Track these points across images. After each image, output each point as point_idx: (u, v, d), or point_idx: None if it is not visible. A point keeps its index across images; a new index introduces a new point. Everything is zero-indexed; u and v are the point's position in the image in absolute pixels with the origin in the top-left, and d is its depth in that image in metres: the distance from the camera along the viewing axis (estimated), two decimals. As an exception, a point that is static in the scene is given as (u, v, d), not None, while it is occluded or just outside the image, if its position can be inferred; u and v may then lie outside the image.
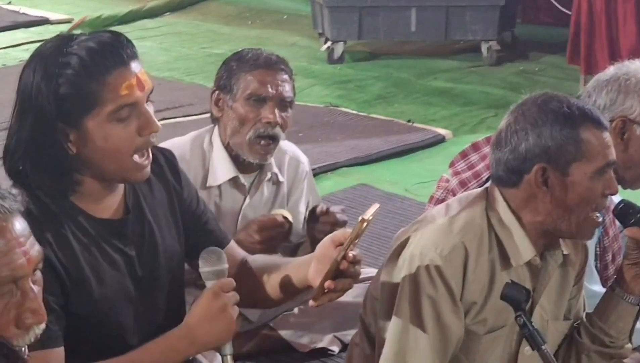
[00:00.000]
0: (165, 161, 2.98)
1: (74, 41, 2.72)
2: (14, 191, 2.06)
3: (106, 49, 2.70)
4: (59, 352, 2.65)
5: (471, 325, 2.95)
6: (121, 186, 2.85)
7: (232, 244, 3.07)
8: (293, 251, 4.16)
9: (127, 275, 2.80)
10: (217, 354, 3.75)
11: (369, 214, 2.70)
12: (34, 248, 2.05)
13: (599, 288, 3.50)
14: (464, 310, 2.93)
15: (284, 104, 4.01)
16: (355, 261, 2.76)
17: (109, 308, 2.77)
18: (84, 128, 2.70)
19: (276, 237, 3.99)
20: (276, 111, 3.97)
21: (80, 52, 2.69)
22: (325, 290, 2.78)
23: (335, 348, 4.20)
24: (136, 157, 2.74)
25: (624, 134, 3.53)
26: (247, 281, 2.96)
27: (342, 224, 4.03)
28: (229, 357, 2.76)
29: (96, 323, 2.74)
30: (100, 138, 2.70)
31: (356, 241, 2.75)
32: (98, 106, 2.68)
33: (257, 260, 3.04)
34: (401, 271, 2.93)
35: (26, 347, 2.07)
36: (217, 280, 2.77)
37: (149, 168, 2.78)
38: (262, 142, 3.97)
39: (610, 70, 3.61)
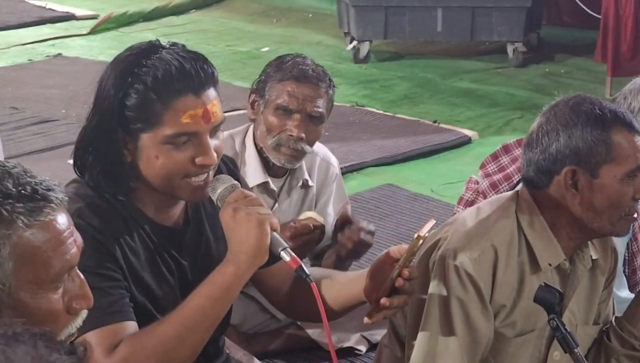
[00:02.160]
0: (227, 171, 2.95)
1: (156, 55, 2.68)
2: (57, 182, 2.09)
3: (182, 73, 2.66)
4: (134, 324, 2.68)
5: (500, 327, 2.96)
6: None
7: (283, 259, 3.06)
8: (318, 257, 4.18)
9: (177, 283, 2.82)
10: (254, 358, 3.81)
11: (424, 231, 2.65)
12: (79, 237, 2.08)
13: (626, 294, 3.50)
14: (493, 312, 2.93)
15: (311, 119, 3.99)
16: (410, 278, 2.70)
17: (159, 311, 2.78)
18: (140, 142, 2.70)
19: (309, 242, 3.98)
20: (302, 125, 3.95)
21: (155, 70, 2.66)
22: (380, 307, 2.73)
23: (363, 348, 4.22)
24: (190, 179, 2.72)
25: None
26: (302, 295, 2.90)
27: (367, 245, 4.05)
28: (283, 253, 2.63)
29: (145, 324, 2.74)
30: (152, 156, 2.70)
31: (412, 258, 2.72)
32: (157, 126, 2.67)
33: (313, 273, 2.94)
34: (431, 273, 2.94)
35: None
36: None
37: (204, 191, 2.74)
38: (283, 149, 3.97)
39: None
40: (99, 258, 2.66)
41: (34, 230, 1.99)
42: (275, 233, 2.64)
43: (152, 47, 2.72)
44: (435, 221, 2.73)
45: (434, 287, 2.92)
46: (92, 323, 2.56)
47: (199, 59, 2.71)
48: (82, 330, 2.54)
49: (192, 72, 2.67)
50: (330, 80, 4.06)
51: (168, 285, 2.82)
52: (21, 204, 1.98)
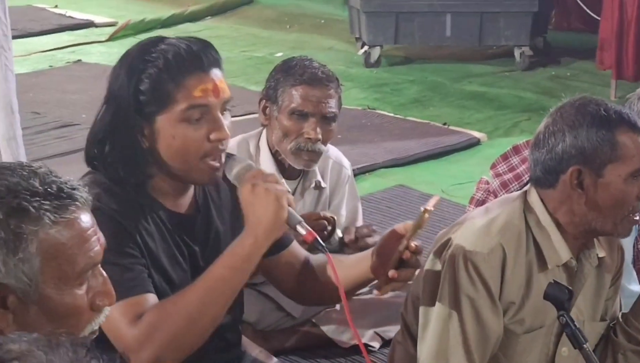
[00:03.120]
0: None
1: (163, 42, 2.79)
2: (81, 182, 2.10)
3: (190, 53, 2.75)
4: (154, 296, 2.72)
5: (509, 324, 2.96)
6: (192, 187, 2.91)
7: (295, 244, 3.08)
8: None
9: (189, 267, 2.85)
10: (270, 355, 3.81)
11: (430, 205, 2.72)
12: (102, 236, 2.10)
13: (638, 288, 3.50)
14: (502, 309, 2.94)
15: (326, 119, 4.00)
16: (417, 251, 2.77)
17: (171, 288, 2.82)
18: (157, 125, 2.76)
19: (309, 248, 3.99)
20: (318, 127, 3.96)
21: (166, 53, 2.75)
22: (389, 279, 2.78)
23: (376, 344, 4.21)
24: (206, 160, 2.77)
25: None
26: (310, 279, 2.98)
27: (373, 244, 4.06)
28: (299, 226, 2.68)
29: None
30: (169, 136, 2.75)
31: (418, 231, 2.76)
32: (171, 104, 2.73)
33: (319, 258, 3.04)
34: (442, 271, 2.94)
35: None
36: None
37: (218, 173, 2.80)
38: (303, 154, 3.98)
39: None
40: (118, 237, 2.69)
41: (60, 227, 2.01)
42: (290, 208, 2.69)
43: (159, 38, 2.83)
44: (440, 197, 2.82)
45: (445, 285, 2.92)
46: (117, 296, 2.61)
47: (205, 43, 2.82)
48: None
49: (200, 53, 2.76)
50: (337, 80, 4.08)
51: (181, 268, 2.85)
52: (47, 202, 2.00)
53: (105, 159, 2.80)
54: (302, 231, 2.68)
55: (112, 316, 2.59)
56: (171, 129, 2.75)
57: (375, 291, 2.83)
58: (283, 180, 4.02)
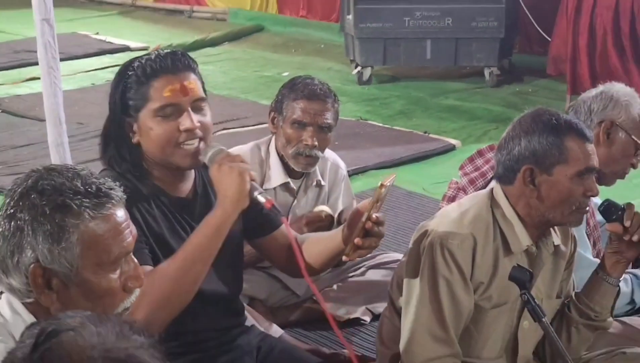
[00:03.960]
0: None
1: (144, 56, 2.88)
2: (117, 183, 2.11)
3: (161, 60, 2.83)
4: (151, 268, 2.73)
5: (479, 300, 2.95)
6: (191, 173, 2.95)
7: (283, 227, 3.07)
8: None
9: None
10: (276, 326, 3.81)
11: (387, 181, 2.72)
12: (134, 228, 2.10)
13: (593, 259, 3.50)
14: (473, 288, 2.93)
15: (321, 129, 3.98)
16: (378, 222, 2.76)
17: None
18: (139, 121, 2.84)
19: (320, 229, 3.99)
20: (315, 135, 3.95)
21: (143, 63, 2.83)
22: (355, 247, 2.78)
23: (367, 319, 4.20)
24: (181, 146, 2.82)
25: (610, 135, 3.56)
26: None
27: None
28: (259, 196, 2.69)
29: None
30: (148, 129, 2.83)
31: (378, 204, 2.75)
32: (148, 102, 2.82)
33: (303, 238, 3.06)
34: (421, 256, 2.94)
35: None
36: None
37: (197, 158, 2.83)
38: (301, 159, 3.98)
39: (600, 87, 3.66)
40: None
41: (98, 221, 2.01)
42: (253, 182, 2.71)
43: (139, 56, 2.91)
44: (395, 174, 2.85)
45: (424, 268, 2.92)
46: None
47: (177, 52, 2.90)
48: None
49: (170, 60, 2.83)
50: (335, 95, 4.07)
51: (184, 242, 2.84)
52: (87, 200, 2.00)
53: (111, 156, 2.88)
54: (262, 200, 2.69)
55: None
56: (149, 122, 2.82)
57: (344, 257, 2.82)
58: (290, 178, 4.04)
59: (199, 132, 2.82)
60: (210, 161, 2.77)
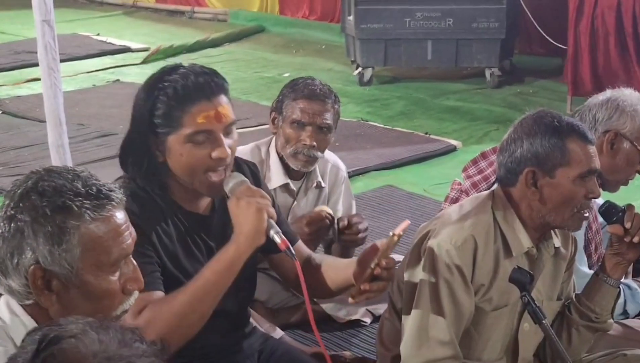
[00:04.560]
0: (249, 172, 3.00)
1: (175, 72, 2.76)
2: (117, 185, 2.10)
3: (196, 84, 2.72)
4: (161, 294, 2.71)
5: (480, 303, 2.95)
6: None
7: (300, 243, 3.06)
8: (328, 245, 4.18)
9: (206, 260, 2.81)
10: (277, 328, 3.80)
11: (399, 229, 2.64)
12: (134, 230, 2.10)
13: (587, 269, 3.50)
14: (474, 290, 2.93)
15: (321, 129, 3.96)
16: (387, 267, 2.70)
17: (187, 280, 2.78)
18: (168, 143, 2.76)
19: (321, 229, 3.99)
20: (313, 135, 3.93)
21: (176, 83, 2.73)
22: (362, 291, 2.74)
23: (368, 320, 4.21)
24: (209, 174, 2.76)
25: (614, 145, 3.54)
26: (311, 275, 2.92)
27: (363, 231, 4.03)
28: (275, 235, 2.64)
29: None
30: (178, 153, 2.75)
31: (388, 252, 2.69)
32: (179, 128, 2.73)
33: (317, 258, 3.01)
34: (423, 258, 2.93)
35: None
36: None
37: (220, 189, 2.76)
38: (300, 156, 3.97)
39: (608, 92, 3.63)
40: (138, 239, 2.67)
41: (98, 223, 2.01)
42: (271, 220, 2.65)
43: (174, 67, 2.81)
44: (409, 222, 2.72)
45: (425, 270, 2.91)
46: None
47: (211, 73, 2.79)
48: None
49: (204, 83, 2.73)
50: (335, 96, 4.05)
51: (198, 261, 2.83)
52: (88, 202, 2.00)
53: (131, 168, 2.81)
54: (278, 240, 2.64)
55: None
56: (180, 148, 2.74)
57: (350, 299, 2.79)
58: (290, 179, 4.03)
59: (228, 160, 2.77)
60: (231, 192, 2.72)
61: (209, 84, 2.74)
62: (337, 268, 2.94)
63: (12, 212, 1.99)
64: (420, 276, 2.92)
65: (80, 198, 1.99)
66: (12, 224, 1.98)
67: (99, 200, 2.01)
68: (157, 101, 2.74)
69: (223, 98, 2.77)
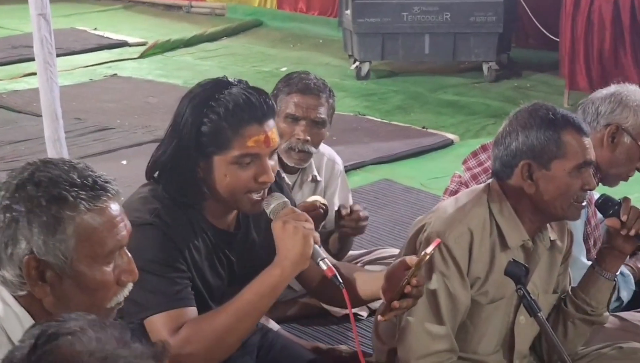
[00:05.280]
0: (274, 183, 2.91)
1: (227, 90, 2.70)
2: (113, 177, 2.10)
3: (248, 105, 2.68)
4: (194, 310, 2.69)
5: (476, 296, 2.94)
6: None
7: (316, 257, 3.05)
8: (326, 239, 4.17)
9: (226, 274, 2.82)
10: (273, 322, 3.78)
11: (430, 249, 2.61)
12: (128, 222, 2.09)
13: (586, 260, 3.51)
14: (469, 283, 2.92)
15: (315, 123, 3.95)
16: (417, 286, 2.65)
17: (211, 298, 2.80)
18: (212, 162, 2.72)
19: (315, 218, 3.96)
20: (307, 130, 3.92)
21: (228, 103, 2.68)
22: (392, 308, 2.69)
23: (364, 314, 4.20)
24: (251, 195, 2.74)
25: (615, 139, 3.54)
26: (332, 286, 2.84)
27: (365, 218, 4.00)
28: (322, 262, 2.64)
29: (199, 308, 2.75)
30: (222, 173, 2.72)
31: (418, 270, 2.65)
32: (227, 149, 2.69)
33: (349, 270, 2.94)
34: (418, 251, 2.92)
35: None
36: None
37: (261, 205, 2.75)
38: (293, 153, 3.96)
39: (612, 87, 3.62)
40: (169, 252, 2.68)
41: (93, 213, 2.00)
42: (316, 246, 2.65)
43: (222, 83, 2.74)
44: (440, 241, 2.69)
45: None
46: (162, 307, 2.63)
47: (262, 93, 2.73)
48: (152, 311, 2.60)
49: (257, 105, 2.69)
50: (330, 90, 4.03)
51: (220, 277, 2.82)
52: (84, 192, 2.00)
53: (166, 181, 2.76)
54: (324, 267, 2.63)
55: (156, 324, 2.63)
56: (224, 168, 2.71)
57: (379, 317, 2.77)
58: (285, 173, 4.02)
59: (270, 184, 2.77)
60: (273, 214, 2.70)
61: (261, 107, 2.70)
62: (364, 281, 2.88)
63: (8, 202, 1.99)
64: (416, 270, 2.92)
65: (76, 189, 1.99)
66: (7, 214, 1.98)
67: (95, 191, 2.01)
68: (207, 118, 2.68)
69: (272, 122, 2.74)
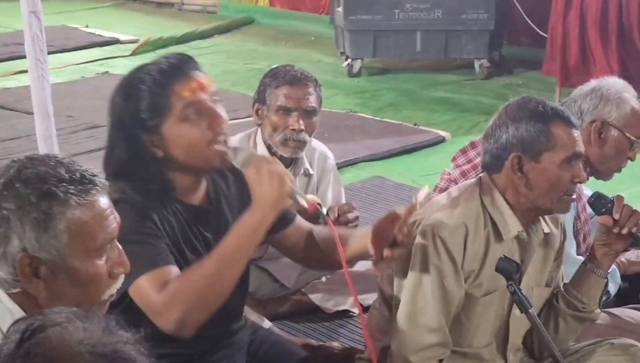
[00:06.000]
0: (232, 173, 2.96)
1: (147, 66, 2.76)
2: (99, 171, 2.10)
3: (171, 65, 2.73)
4: (177, 269, 2.69)
5: (470, 289, 2.94)
6: (204, 182, 2.88)
7: (298, 218, 3.06)
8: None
9: (204, 252, 2.81)
10: (266, 319, 3.79)
11: (420, 196, 2.67)
12: (117, 215, 2.10)
13: (577, 255, 3.52)
14: (464, 276, 2.92)
15: (307, 113, 3.97)
16: (409, 235, 2.71)
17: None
18: (162, 133, 2.72)
19: (309, 218, 3.97)
20: (301, 120, 3.94)
21: (152, 73, 2.72)
22: (384, 258, 2.74)
23: (356, 310, 4.20)
24: (212, 146, 2.74)
25: (602, 134, 3.55)
26: (314, 248, 2.94)
27: (354, 220, 4.00)
28: (301, 199, 2.68)
29: None
30: (176, 137, 2.72)
31: (409, 218, 2.70)
32: (169, 111, 2.71)
33: (322, 231, 3.01)
34: (413, 246, 2.92)
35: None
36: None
37: (228, 157, 2.76)
38: (290, 143, 3.97)
39: (592, 83, 3.63)
40: (142, 221, 2.67)
41: (83, 208, 2.01)
42: (292, 185, 2.67)
43: (140, 65, 2.79)
44: (428, 188, 2.75)
45: (416, 258, 2.90)
46: (144, 269, 2.60)
47: (182, 54, 2.80)
48: (136, 275, 2.55)
49: (180, 63, 2.74)
50: (315, 80, 4.06)
51: (197, 253, 2.81)
52: (73, 187, 1.99)
53: (127, 174, 2.74)
54: (304, 203, 2.67)
55: (142, 286, 2.60)
56: (176, 130, 2.71)
57: (372, 268, 2.79)
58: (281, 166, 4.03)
59: (226, 126, 2.77)
60: (244, 165, 2.72)
61: (184, 63, 2.75)
62: (348, 241, 2.92)
63: None
64: (410, 264, 2.91)
65: (65, 184, 1.99)
66: None
67: (83, 185, 2.01)
68: (139, 95, 2.71)
69: (199, 73, 2.78)
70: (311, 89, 3.99)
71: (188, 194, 2.84)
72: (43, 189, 1.97)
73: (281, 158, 4.00)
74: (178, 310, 2.55)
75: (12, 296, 2.01)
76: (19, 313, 1.98)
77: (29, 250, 1.97)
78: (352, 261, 2.98)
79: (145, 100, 2.71)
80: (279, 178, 2.65)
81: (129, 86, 2.74)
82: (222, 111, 2.77)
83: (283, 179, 2.65)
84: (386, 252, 2.71)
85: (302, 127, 3.94)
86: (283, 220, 2.96)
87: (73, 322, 1.55)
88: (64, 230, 1.98)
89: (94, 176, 2.04)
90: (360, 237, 2.91)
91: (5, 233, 1.97)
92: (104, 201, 2.04)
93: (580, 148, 2.93)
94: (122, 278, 2.10)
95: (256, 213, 2.66)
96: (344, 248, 2.83)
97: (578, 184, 3.00)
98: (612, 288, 3.65)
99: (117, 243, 2.10)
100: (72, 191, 1.98)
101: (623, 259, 3.76)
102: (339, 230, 3.02)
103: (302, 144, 3.99)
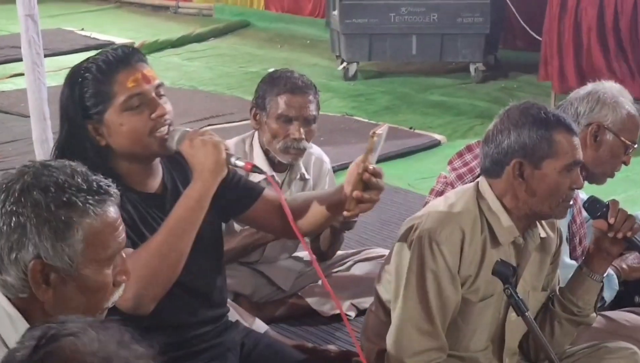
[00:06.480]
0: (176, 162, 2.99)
1: (94, 56, 2.83)
2: (109, 181, 2.11)
3: (116, 56, 2.79)
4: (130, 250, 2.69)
5: (467, 293, 2.95)
6: (159, 170, 2.92)
7: (266, 191, 3.07)
8: (317, 236, 4.18)
9: None
10: (261, 322, 3.79)
11: (379, 130, 2.69)
12: (124, 224, 2.11)
13: (570, 260, 3.53)
14: (460, 282, 2.92)
15: (307, 121, 3.97)
16: (375, 173, 2.72)
17: None
18: (106, 121, 2.79)
19: (344, 225, 3.97)
20: (301, 128, 3.94)
21: (97, 62, 2.79)
22: (356, 200, 2.74)
23: (352, 314, 4.19)
24: (154, 134, 2.79)
25: (597, 138, 3.56)
26: (298, 211, 2.94)
27: (354, 221, 4.01)
28: (237, 161, 2.75)
29: None
30: (118, 125, 2.78)
31: (372, 154, 2.72)
32: (112, 100, 2.77)
33: (296, 198, 3.05)
34: (409, 250, 2.93)
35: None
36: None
37: (168, 142, 2.81)
38: (291, 151, 3.97)
39: (589, 86, 3.65)
40: None
41: (99, 218, 2.03)
42: (227, 150, 2.73)
43: (89, 56, 2.85)
44: (387, 125, 2.82)
45: (412, 262, 2.91)
46: None
47: (127, 46, 2.89)
48: None
49: (124, 54, 2.80)
50: (315, 87, 4.06)
51: None
52: (91, 197, 2.02)
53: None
54: (241, 163, 2.73)
55: None
56: (118, 119, 2.77)
57: (345, 212, 2.79)
58: (274, 172, 4.03)
59: (169, 117, 2.82)
60: (178, 143, 2.78)
61: (129, 54, 2.81)
62: (324, 197, 2.96)
63: (13, 207, 1.99)
64: (407, 268, 2.92)
65: (84, 194, 2.01)
66: (14, 219, 1.98)
67: (100, 195, 2.04)
68: (83, 83, 2.78)
69: (145, 64, 2.83)
70: (311, 97, 3.99)
71: (142, 183, 2.88)
72: (63, 198, 1.99)
73: (279, 164, 4.01)
74: (131, 289, 2.55)
75: (14, 300, 2.02)
76: (17, 317, 1.99)
77: (43, 257, 1.99)
78: (336, 212, 2.95)
79: (89, 88, 2.78)
80: (213, 145, 2.71)
81: (75, 75, 2.81)
82: (165, 103, 2.82)
83: (217, 146, 2.71)
84: (355, 193, 2.72)
85: (303, 136, 3.95)
86: (250, 196, 3.01)
87: (88, 332, 1.56)
88: (81, 239, 2.00)
89: (109, 186, 2.07)
90: (334, 193, 2.94)
91: (20, 239, 1.98)
92: (115, 211, 2.07)
93: (580, 155, 2.94)
94: (123, 286, 2.11)
95: (197, 183, 2.72)
96: (318, 210, 2.91)
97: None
98: (608, 296, 3.66)
99: (122, 252, 2.11)
100: (90, 201, 2.01)
101: (624, 265, 3.77)
102: (311, 193, 3.10)
103: (301, 152, 4.00)
